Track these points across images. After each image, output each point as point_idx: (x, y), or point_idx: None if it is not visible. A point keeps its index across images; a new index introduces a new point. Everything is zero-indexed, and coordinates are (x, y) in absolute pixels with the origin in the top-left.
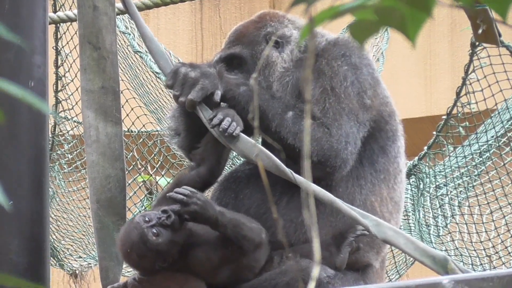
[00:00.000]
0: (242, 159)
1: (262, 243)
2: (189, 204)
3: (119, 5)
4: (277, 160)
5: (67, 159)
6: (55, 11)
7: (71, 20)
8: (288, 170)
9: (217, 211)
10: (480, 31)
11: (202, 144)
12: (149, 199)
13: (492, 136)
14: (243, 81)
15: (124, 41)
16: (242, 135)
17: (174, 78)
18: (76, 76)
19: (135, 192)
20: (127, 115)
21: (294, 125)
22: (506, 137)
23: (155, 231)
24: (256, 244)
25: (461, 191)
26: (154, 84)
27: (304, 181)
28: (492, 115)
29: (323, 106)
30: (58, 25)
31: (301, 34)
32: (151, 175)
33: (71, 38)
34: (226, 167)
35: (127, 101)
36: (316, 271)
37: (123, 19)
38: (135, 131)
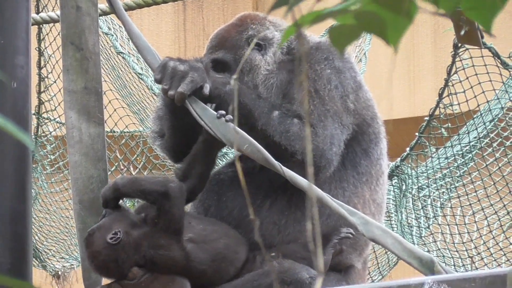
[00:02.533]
0: (224, 160)
1: (169, 189)
2: (101, 199)
3: (102, 6)
4: (266, 153)
5: (49, 160)
6: (38, 12)
7: (54, 21)
8: (277, 163)
9: (110, 187)
10: (462, 32)
11: (184, 162)
12: (132, 199)
13: (475, 137)
14: (229, 80)
15: (107, 42)
16: (234, 126)
17: (163, 72)
18: (59, 77)
19: None
20: (110, 116)
21: (280, 124)
22: (489, 139)
23: (112, 236)
24: (163, 193)
25: (443, 192)
26: (137, 85)
27: (293, 174)
28: (475, 116)
29: (307, 107)
30: (41, 26)
31: (283, 36)
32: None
33: (54, 39)
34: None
35: (110, 102)
36: (319, 282)
37: (106, 20)
38: (117, 132)
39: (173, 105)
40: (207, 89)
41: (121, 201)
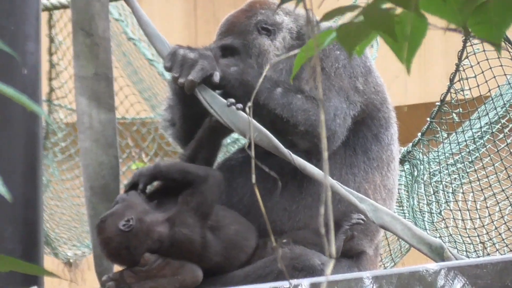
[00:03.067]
0: (235, 147)
1: (210, 175)
2: (132, 180)
3: None
4: (276, 141)
5: (60, 147)
6: None
7: (64, 6)
8: (287, 151)
9: (151, 166)
10: None
11: (189, 147)
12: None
13: (486, 123)
14: (235, 62)
15: (118, 28)
16: (242, 113)
17: (173, 60)
18: (69, 63)
19: None
20: (121, 102)
21: (283, 97)
22: (500, 124)
23: (124, 223)
24: (203, 176)
25: (455, 177)
26: (148, 71)
27: (303, 162)
28: (486, 101)
29: (312, 84)
30: (52, 12)
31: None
32: (146, 163)
33: (65, 25)
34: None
35: (121, 88)
36: (330, 266)
37: (116, 6)
38: (129, 119)
39: (183, 94)
40: (217, 77)
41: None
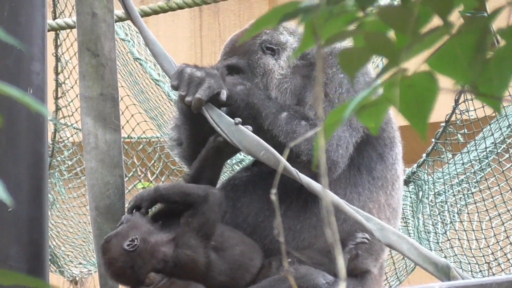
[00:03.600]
0: (239, 166)
1: (209, 194)
2: (131, 202)
3: (118, 12)
4: (283, 159)
5: (67, 165)
6: (54, 18)
7: (70, 27)
8: (293, 170)
9: (152, 189)
10: None
11: (193, 167)
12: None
13: (491, 143)
14: (241, 81)
15: (124, 48)
16: (249, 132)
17: (180, 79)
18: (76, 82)
19: None
20: (127, 121)
21: (287, 124)
22: (505, 144)
23: (129, 243)
24: (203, 197)
25: (460, 198)
26: (154, 91)
27: (310, 180)
28: (491, 122)
29: (315, 112)
30: (58, 31)
31: (299, 46)
32: (151, 182)
33: (71, 45)
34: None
35: (127, 107)
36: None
37: (122, 26)
38: (135, 138)
39: (190, 113)
40: (224, 95)
41: (142, 210)
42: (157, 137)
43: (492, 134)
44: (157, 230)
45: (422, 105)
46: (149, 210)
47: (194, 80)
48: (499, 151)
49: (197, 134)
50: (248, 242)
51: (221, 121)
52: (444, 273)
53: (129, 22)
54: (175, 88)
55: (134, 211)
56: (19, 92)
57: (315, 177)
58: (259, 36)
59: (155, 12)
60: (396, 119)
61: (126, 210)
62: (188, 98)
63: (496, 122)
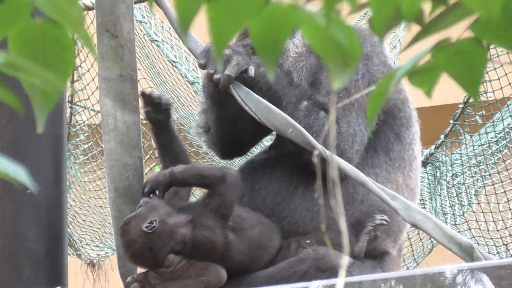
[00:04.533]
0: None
1: (226, 174)
2: (147, 187)
3: None
4: (310, 137)
5: (82, 149)
6: None
7: (88, 8)
8: (321, 147)
9: (167, 173)
10: None
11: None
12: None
13: (509, 124)
14: None
15: (141, 30)
16: (278, 110)
17: (207, 57)
18: (92, 66)
19: None
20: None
21: (306, 117)
22: None
23: (147, 224)
24: (219, 177)
25: (477, 179)
26: (171, 73)
27: (337, 159)
28: (509, 103)
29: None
30: None
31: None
32: None
33: (87, 27)
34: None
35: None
36: (345, 259)
37: (139, 8)
38: None
39: (217, 95)
40: (252, 71)
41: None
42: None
43: (510, 115)
44: (175, 212)
45: (472, 71)
46: (164, 195)
47: (222, 58)
48: None
49: (224, 117)
50: (266, 223)
51: (249, 99)
52: (468, 253)
53: (145, 4)
54: (202, 66)
55: (151, 194)
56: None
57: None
58: None
59: None
60: (412, 99)
61: (143, 193)
62: (216, 76)
63: None
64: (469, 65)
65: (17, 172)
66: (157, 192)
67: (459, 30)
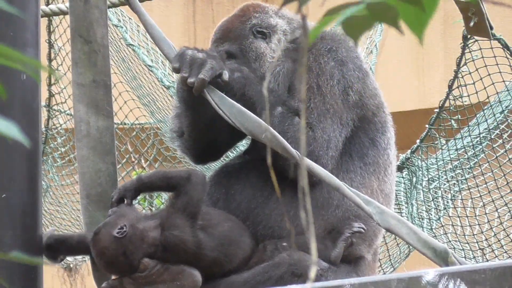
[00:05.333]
0: (233, 153)
1: (191, 174)
2: (115, 196)
3: None
4: (284, 141)
5: (60, 152)
6: (47, 4)
7: (63, 13)
8: (294, 151)
9: (134, 179)
10: (471, 23)
11: None
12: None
13: (485, 129)
14: (238, 67)
15: (117, 34)
16: (251, 114)
17: (181, 61)
18: (69, 69)
19: None
20: (120, 108)
21: (280, 123)
22: (499, 130)
23: (118, 230)
24: (185, 177)
25: (454, 184)
26: (147, 77)
27: (311, 163)
28: (485, 108)
29: (308, 105)
30: (51, 18)
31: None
32: (145, 169)
33: (64, 31)
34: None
35: (120, 94)
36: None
37: (115, 12)
38: (128, 124)
39: (191, 99)
40: (226, 75)
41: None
42: (150, 123)
43: (486, 120)
44: (144, 218)
45: (417, 18)
46: (132, 202)
47: (196, 61)
48: (492, 136)
49: (198, 122)
50: (234, 220)
51: (223, 103)
52: (442, 258)
53: (121, 8)
54: (176, 70)
55: (117, 204)
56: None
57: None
58: (249, 20)
59: None
60: (387, 104)
61: (111, 203)
62: (190, 79)
63: (490, 108)
64: (410, 13)
65: (8, 127)
66: (125, 200)
67: None
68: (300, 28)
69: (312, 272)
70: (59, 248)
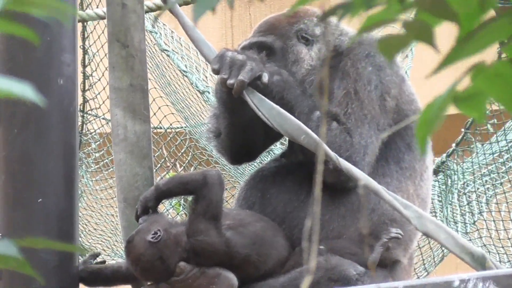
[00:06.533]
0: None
1: (206, 176)
2: (138, 209)
3: (147, 2)
4: (322, 144)
5: (94, 157)
6: (82, 9)
7: (100, 17)
8: (334, 154)
9: (153, 188)
10: None
11: None
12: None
13: None
14: (278, 70)
15: (151, 40)
16: (290, 116)
17: (221, 62)
18: (103, 75)
19: None
20: (154, 113)
21: (318, 128)
22: None
23: (152, 235)
24: (200, 180)
25: (488, 188)
26: (181, 82)
27: (350, 166)
28: None
29: (345, 110)
30: (85, 24)
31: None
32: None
33: (98, 37)
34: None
35: (154, 99)
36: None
37: (149, 18)
38: (163, 128)
39: (230, 101)
40: (265, 78)
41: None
42: (184, 128)
43: None
44: (175, 223)
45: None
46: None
47: (236, 63)
48: None
49: (236, 123)
50: (267, 220)
51: (262, 105)
52: (480, 263)
53: (156, 13)
54: (216, 72)
55: (142, 216)
56: (18, 86)
57: (338, 184)
58: (297, 23)
59: (186, 3)
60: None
61: (136, 218)
62: (230, 81)
63: None
64: (509, 87)
65: (23, 89)
66: (150, 210)
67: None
68: (342, 36)
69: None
70: (95, 280)
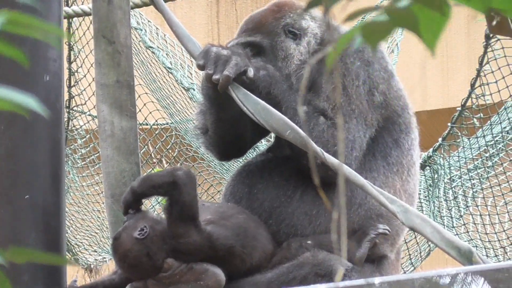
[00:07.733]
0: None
1: (175, 177)
2: (122, 209)
3: None
4: (309, 139)
5: (80, 153)
6: (67, 5)
7: (85, 14)
8: (319, 149)
9: (129, 192)
10: (494, 23)
11: None
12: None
13: (505, 127)
14: (264, 65)
15: (136, 37)
16: (276, 112)
17: (206, 58)
18: (88, 71)
19: None
20: (140, 110)
21: (305, 122)
22: None
23: (139, 232)
24: (170, 183)
25: (475, 182)
26: (166, 79)
27: (335, 160)
28: (506, 105)
29: (333, 104)
30: (71, 20)
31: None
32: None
33: (84, 34)
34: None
35: (139, 96)
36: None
37: (134, 14)
38: (149, 125)
39: (216, 96)
40: (251, 72)
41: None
42: (169, 124)
43: (508, 118)
44: (161, 219)
45: (434, 24)
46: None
47: (221, 58)
48: None
49: (223, 119)
50: (248, 213)
51: (247, 100)
52: (466, 257)
53: (140, 10)
54: (201, 67)
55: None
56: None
57: (326, 178)
58: (283, 18)
59: None
60: (412, 105)
61: (122, 219)
62: (215, 76)
63: (511, 106)
64: (431, 19)
65: (26, 100)
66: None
67: None
68: (327, 31)
69: (339, 274)
70: None
